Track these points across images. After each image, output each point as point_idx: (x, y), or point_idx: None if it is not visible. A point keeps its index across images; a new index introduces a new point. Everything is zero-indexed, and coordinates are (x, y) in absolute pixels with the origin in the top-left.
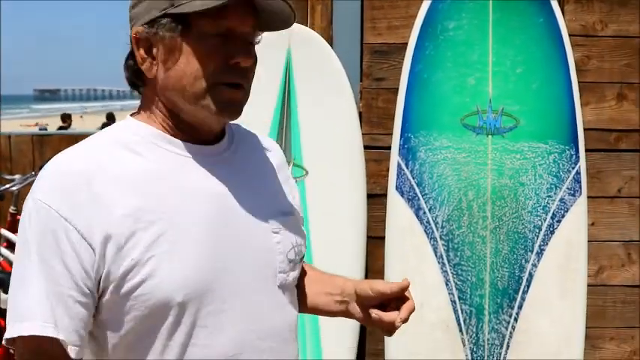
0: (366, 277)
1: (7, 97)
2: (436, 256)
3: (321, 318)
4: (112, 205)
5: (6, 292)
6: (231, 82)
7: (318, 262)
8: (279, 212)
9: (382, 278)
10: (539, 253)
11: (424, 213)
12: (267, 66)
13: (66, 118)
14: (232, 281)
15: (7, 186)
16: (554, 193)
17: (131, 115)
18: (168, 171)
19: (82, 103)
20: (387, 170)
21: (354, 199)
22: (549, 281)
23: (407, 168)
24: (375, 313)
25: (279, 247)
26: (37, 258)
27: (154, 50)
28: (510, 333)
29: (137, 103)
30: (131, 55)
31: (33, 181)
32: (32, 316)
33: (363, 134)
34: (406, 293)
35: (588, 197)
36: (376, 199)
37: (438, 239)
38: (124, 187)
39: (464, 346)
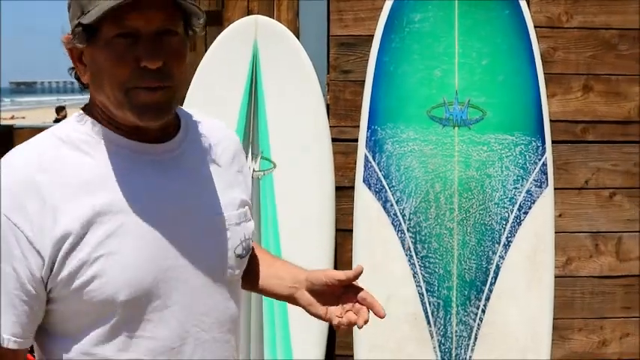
0: (335, 268)
1: None
2: (404, 248)
3: (291, 312)
4: (61, 209)
5: None
6: (147, 87)
7: (287, 254)
8: (229, 207)
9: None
10: (507, 245)
11: (391, 205)
12: (233, 59)
13: (60, 110)
14: (179, 278)
15: None
16: (521, 185)
17: (82, 108)
18: (116, 171)
19: (59, 95)
20: (355, 163)
21: (322, 192)
22: (517, 273)
23: (374, 160)
24: (339, 315)
25: (227, 243)
26: None
27: (84, 57)
28: (478, 325)
29: None
30: None
31: None
32: None
33: (330, 127)
34: (366, 294)
35: (555, 189)
36: (344, 192)
37: (406, 231)
38: (73, 190)
39: (432, 338)
